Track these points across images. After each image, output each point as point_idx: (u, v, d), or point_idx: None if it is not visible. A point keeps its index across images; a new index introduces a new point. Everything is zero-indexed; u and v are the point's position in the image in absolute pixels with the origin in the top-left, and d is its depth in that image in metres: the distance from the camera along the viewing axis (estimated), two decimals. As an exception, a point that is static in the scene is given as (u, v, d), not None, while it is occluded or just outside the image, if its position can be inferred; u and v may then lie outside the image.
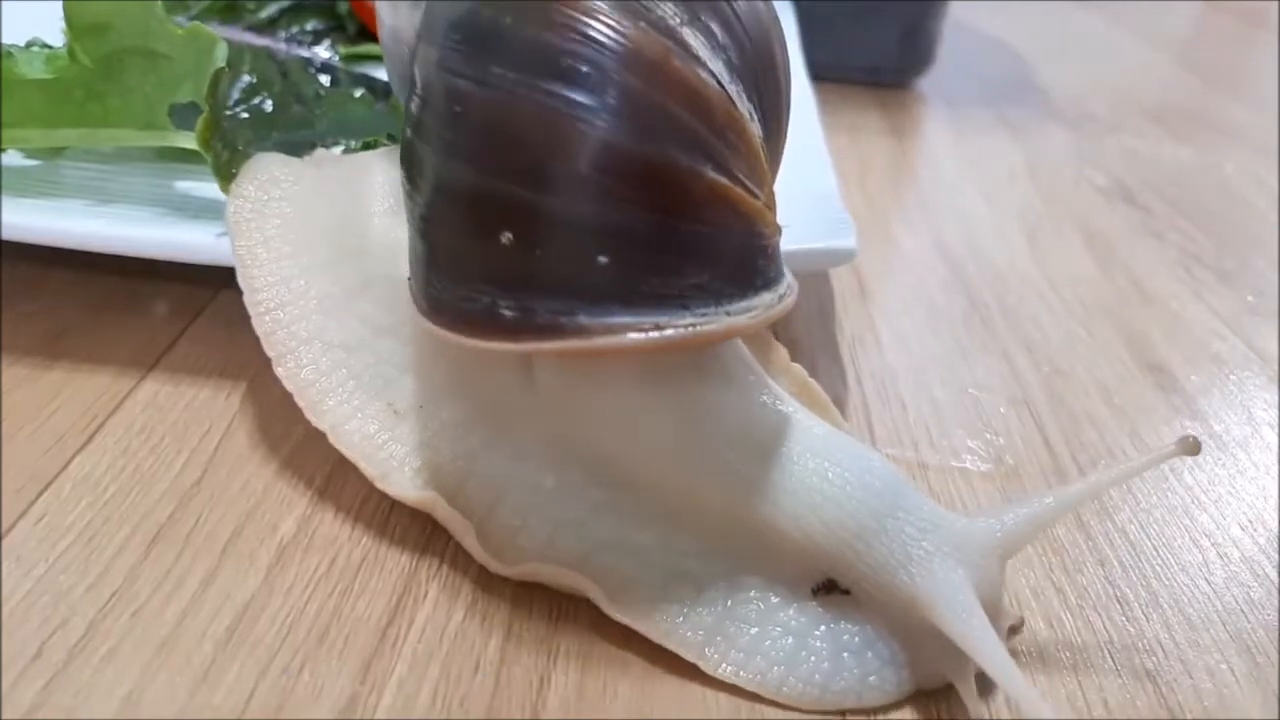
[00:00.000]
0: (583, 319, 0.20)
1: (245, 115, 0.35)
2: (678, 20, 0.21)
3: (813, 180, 0.35)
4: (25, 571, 0.22)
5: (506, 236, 0.20)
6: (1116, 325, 0.38)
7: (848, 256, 0.30)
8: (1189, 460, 0.30)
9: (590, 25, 0.20)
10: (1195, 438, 0.22)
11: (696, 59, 0.20)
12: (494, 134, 0.20)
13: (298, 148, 0.32)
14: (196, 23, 0.30)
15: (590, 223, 0.20)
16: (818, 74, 0.49)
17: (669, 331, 0.20)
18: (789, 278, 0.23)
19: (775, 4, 0.24)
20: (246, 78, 0.36)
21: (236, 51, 0.37)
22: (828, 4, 0.58)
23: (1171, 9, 0.92)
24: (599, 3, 0.20)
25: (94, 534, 0.23)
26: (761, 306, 0.21)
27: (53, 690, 0.20)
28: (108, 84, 0.31)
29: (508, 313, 0.20)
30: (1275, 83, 0.73)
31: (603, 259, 0.20)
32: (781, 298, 0.22)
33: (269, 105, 0.36)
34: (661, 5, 0.21)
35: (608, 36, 0.20)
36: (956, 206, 0.47)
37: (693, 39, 0.21)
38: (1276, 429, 0.33)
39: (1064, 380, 0.34)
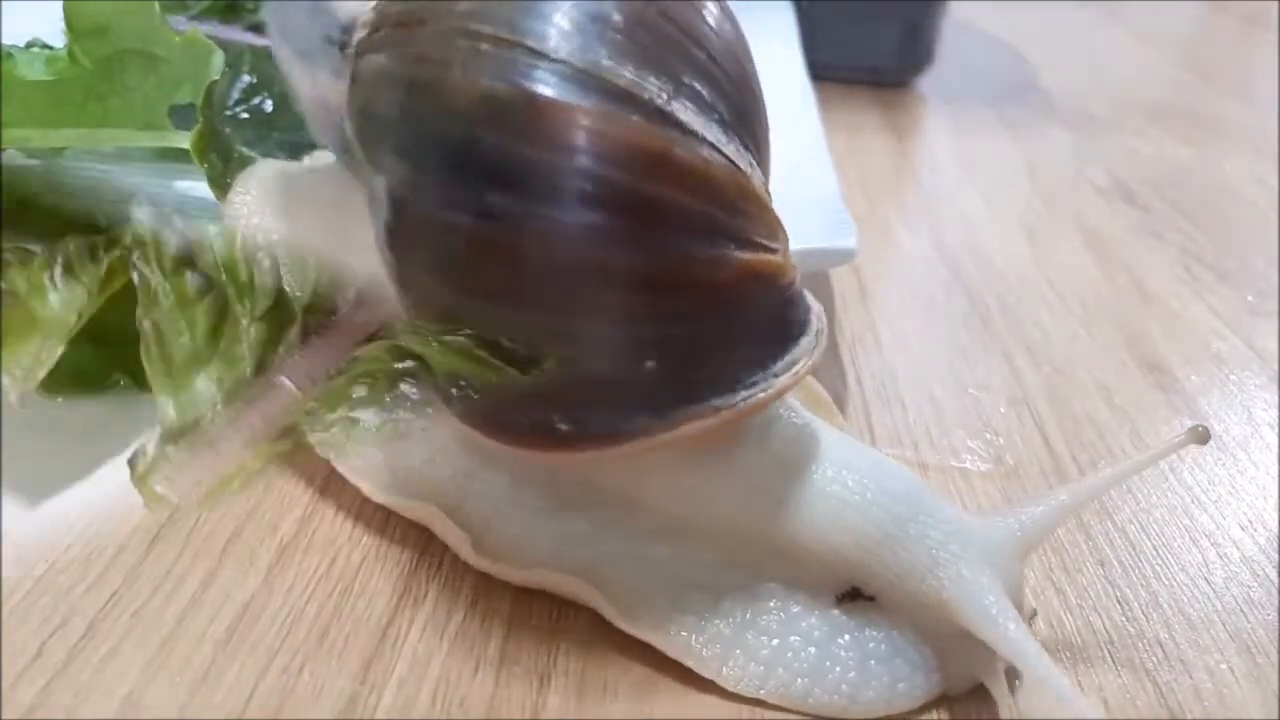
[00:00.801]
0: (642, 420, 0.20)
1: (245, 115, 0.35)
2: (665, 96, 0.19)
3: (813, 180, 0.35)
4: (25, 571, 0.22)
5: (549, 361, 0.20)
6: (1116, 325, 0.38)
7: (848, 256, 0.30)
8: (1189, 460, 0.30)
9: (584, 135, 0.18)
10: (1205, 427, 0.22)
11: (695, 136, 0.19)
12: (510, 270, 0.19)
13: (298, 148, 0.32)
14: (195, 30, 0.30)
15: (630, 337, 0.20)
16: (818, 74, 0.49)
17: (725, 413, 0.20)
18: (814, 306, 0.22)
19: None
20: (246, 78, 0.36)
21: (236, 52, 0.37)
22: (828, 4, 0.58)
23: (1171, 9, 0.92)
24: (585, 101, 0.19)
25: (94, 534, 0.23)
26: (804, 356, 0.21)
27: (53, 690, 0.20)
28: (108, 85, 0.31)
29: (563, 426, 0.20)
30: (1275, 83, 0.73)
31: (650, 364, 0.20)
32: (818, 335, 0.22)
33: (269, 105, 0.36)
34: (646, 83, 0.19)
35: (604, 145, 0.19)
36: (956, 206, 0.47)
37: (684, 112, 0.19)
38: (1276, 429, 0.33)
39: (1064, 380, 0.34)
